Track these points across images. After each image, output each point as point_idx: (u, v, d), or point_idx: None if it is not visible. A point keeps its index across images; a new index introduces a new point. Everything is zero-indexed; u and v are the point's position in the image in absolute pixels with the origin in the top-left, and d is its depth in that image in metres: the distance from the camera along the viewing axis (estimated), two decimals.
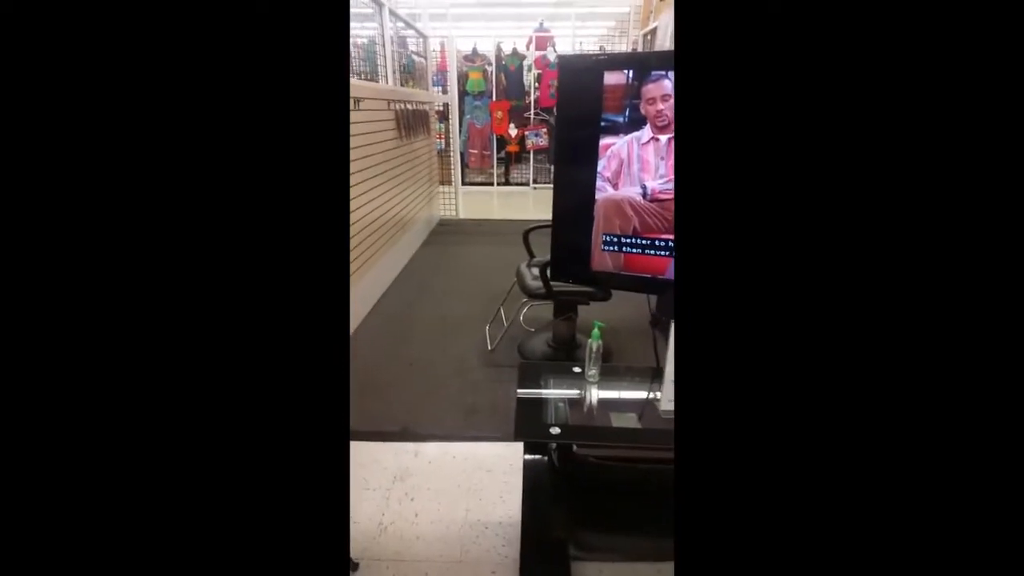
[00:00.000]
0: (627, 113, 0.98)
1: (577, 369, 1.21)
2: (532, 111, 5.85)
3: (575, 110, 1.10)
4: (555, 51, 5.68)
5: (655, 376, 1.23)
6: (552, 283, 1.86)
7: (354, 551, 1.19)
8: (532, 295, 1.96)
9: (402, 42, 3.99)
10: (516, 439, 0.99)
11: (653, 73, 0.91)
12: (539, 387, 1.17)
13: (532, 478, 1.19)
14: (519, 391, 1.13)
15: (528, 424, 1.03)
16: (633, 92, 0.96)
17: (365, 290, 2.54)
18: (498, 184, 6.20)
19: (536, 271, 1.98)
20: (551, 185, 6.26)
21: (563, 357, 2.06)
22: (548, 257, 1.92)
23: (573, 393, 1.16)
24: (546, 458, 1.21)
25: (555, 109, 5.81)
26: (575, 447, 1.08)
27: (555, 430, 0.99)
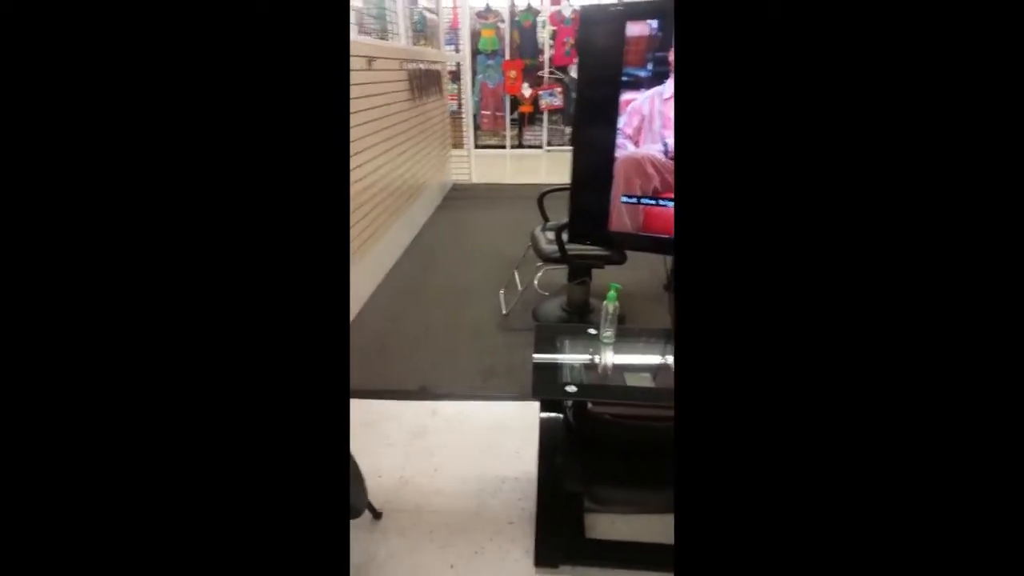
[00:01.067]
0: (650, 67, 0.95)
1: (592, 331, 1.22)
2: (546, 70, 5.66)
3: (596, 64, 1.06)
4: (570, 6, 5.45)
5: (669, 338, 1.24)
6: (568, 246, 1.85)
7: (377, 502, 1.24)
8: (547, 259, 1.95)
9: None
10: (533, 397, 1.02)
11: None
12: (555, 348, 1.19)
13: (548, 435, 1.22)
14: (535, 353, 1.14)
15: (544, 383, 1.05)
16: (657, 44, 0.92)
17: (379, 256, 2.56)
18: (511, 147, 6.08)
19: (551, 235, 1.97)
20: (565, 148, 6.14)
21: (577, 321, 2.07)
22: (563, 221, 1.90)
23: (588, 354, 1.17)
24: (562, 416, 1.24)
25: (575, 64, 5.60)
26: (590, 405, 1.10)
27: (571, 388, 1.01)
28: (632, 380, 1.08)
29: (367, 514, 1.21)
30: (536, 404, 1.18)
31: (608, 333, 1.17)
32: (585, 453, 1.23)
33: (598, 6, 1.01)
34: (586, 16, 1.08)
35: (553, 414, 1.26)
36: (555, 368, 1.12)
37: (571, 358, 1.16)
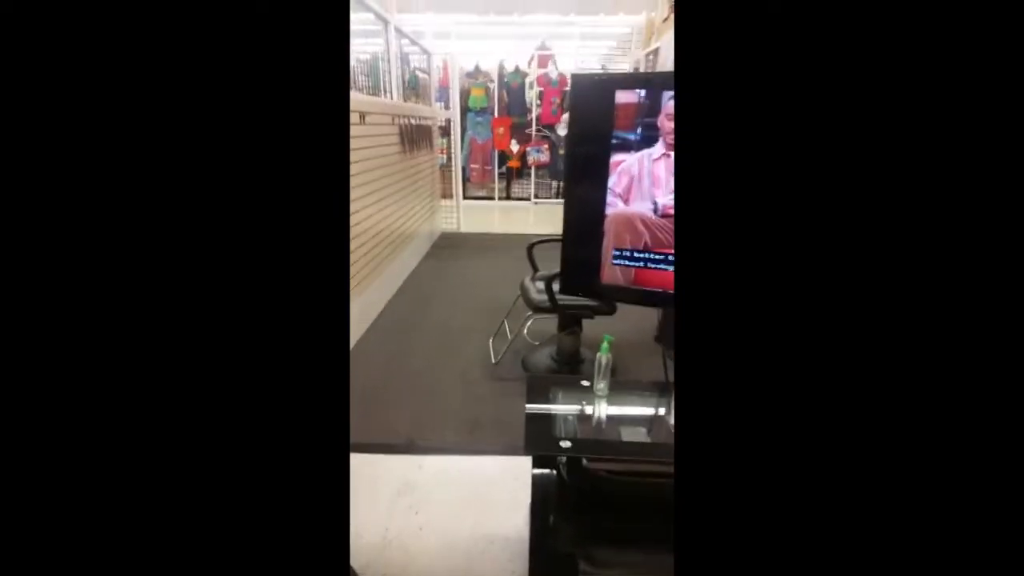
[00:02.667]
0: (638, 131, 1.00)
1: (585, 383, 1.21)
2: (534, 127, 5.92)
3: (586, 127, 1.12)
4: (556, 69, 5.78)
5: (664, 391, 1.24)
6: (558, 296, 1.87)
7: (358, 564, 1.17)
8: (537, 308, 1.96)
9: (406, 58, 4.05)
10: (526, 452, 0.99)
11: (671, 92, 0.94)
12: (547, 401, 1.17)
13: (540, 492, 1.19)
14: (528, 405, 1.13)
15: (538, 437, 1.02)
16: (645, 111, 0.98)
17: (367, 303, 2.55)
18: (499, 199, 6.25)
19: (541, 284, 1.99)
20: (552, 200, 6.31)
21: (567, 371, 2.06)
22: (552, 271, 1.93)
23: (582, 407, 1.16)
24: (554, 472, 1.21)
25: (562, 123, 5.83)
26: (585, 461, 1.08)
27: (565, 443, 0.99)
28: (628, 435, 1.07)
29: None
30: (527, 459, 1.15)
31: (602, 385, 1.17)
32: (580, 511, 1.19)
33: (588, 75, 1.08)
34: (576, 83, 1.14)
35: (545, 470, 1.23)
36: (548, 421, 1.11)
37: (564, 411, 1.14)
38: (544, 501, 1.18)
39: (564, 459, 1.12)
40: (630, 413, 1.19)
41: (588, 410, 1.14)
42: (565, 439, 1.01)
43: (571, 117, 1.17)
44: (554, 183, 6.27)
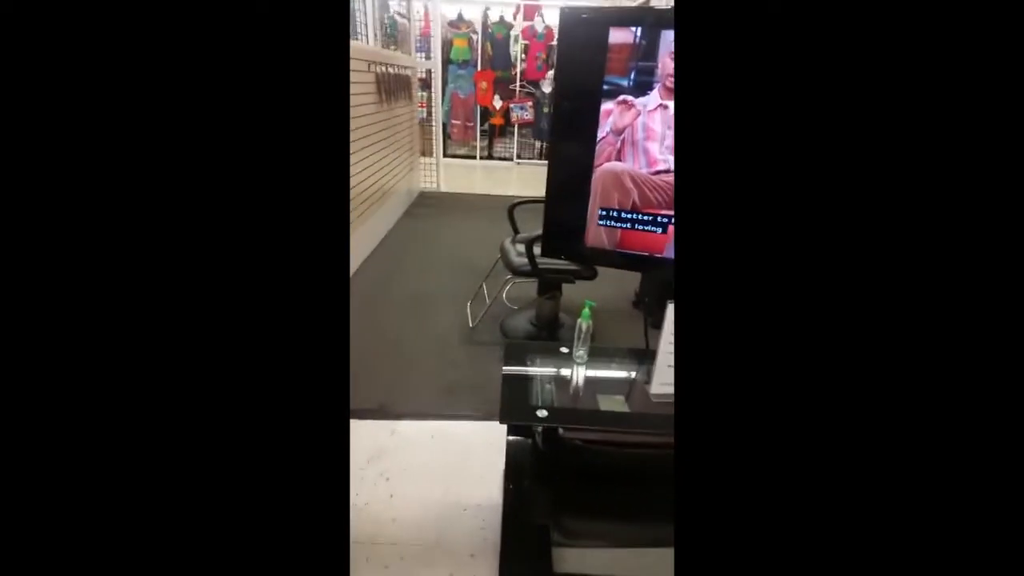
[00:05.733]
0: (632, 76, 0.91)
1: (564, 350, 1.16)
2: (518, 83, 5.68)
3: (575, 70, 1.01)
4: (544, 21, 5.50)
5: (643, 358, 1.19)
6: (539, 260, 1.80)
7: None
8: (516, 272, 1.89)
9: (383, 2, 3.77)
10: (501, 421, 0.94)
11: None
12: (525, 367, 1.12)
13: (515, 460, 1.15)
14: (504, 370, 1.07)
15: (514, 406, 0.97)
16: (641, 52, 0.88)
17: None
18: (481, 158, 6.05)
19: (521, 247, 1.91)
20: (536, 161, 6.14)
21: (546, 336, 2.02)
22: (534, 233, 1.85)
23: (560, 374, 1.11)
24: (530, 440, 1.17)
25: (547, 79, 5.61)
26: (561, 430, 1.04)
27: (542, 413, 0.94)
28: (605, 404, 1.02)
29: None
30: (502, 426, 1.11)
31: (581, 352, 1.11)
32: (554, 481, 1.16)
33: (577, 9, 0.97)
34: (566, 19, 1.03)
35: (520, 438, 1.19)
36: (525, 389, 1.06)
37: (542, 375, 1.09)
38: (518, 469, 1.15)
39: (540, 427, 1.08)
40: (609, 380, 1.15)
41: (566, 377, 1.09)
42: (542, 408, 0.96)
43: (559, 59, 1.06)
44: (538, 143, 6.09)
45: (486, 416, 1.54)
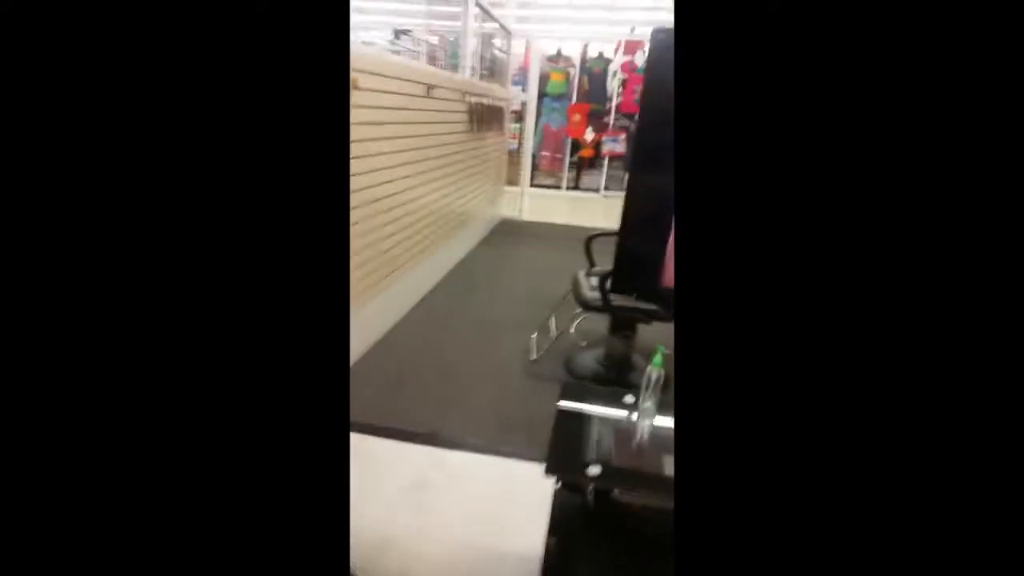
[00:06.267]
0: None
1: (630, 398, 1.03)
2: (612, 116, 5.64)
3: (663, 100, 0.93)
4: (644, 57, 5.45)
5: None
6: (612, 296, 1.69)
7: (356, 562, 1.08)
8: (587, 306, 1.78)
9: (487, 38, 3.94)
10: (547, 473, 0.84)
11: None
12: (582, 413, 1.01)
13: (561, 516, 1.03)
14: (556, 418, 0.97)
15: (563, 457, 0.87)
16: None
17: (414, 283, 2.48)
18: (567, 188, 6.04)
19: (595, 281, 1.81)
20: (622, 193, 6.06)
21: (614, 378, 1.87)
22: (610, 267, 1.74)
23: (622, 426, 0.99)
24: (580, 495, 1.05)
25: (639, 100, 5.61)
26: (616, 492, 0.91)
27: (594, 470, 0.83)
28: (672, 467, 0.88)
29: None
30: None
31: (648, 404, 0.98)
32: (603, 545, 1.02)
33: (671, 31, 0.88)
34: (657, 42, 0.95)
35: (570, 490, 1.07)
36: (579, 439, 0.95)
37: (601, 423, 0.97)
38: (564, 526, 1.03)
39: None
40: None
41: (628, 431, 0.97)
42: (595, 464, 0.85)
43: (645, 83, 0.98)
44: (629, 167, 5.95)
45: (538, 458, 1.43)
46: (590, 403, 1.02)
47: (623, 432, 0.98)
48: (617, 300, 1.69)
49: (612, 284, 1.02)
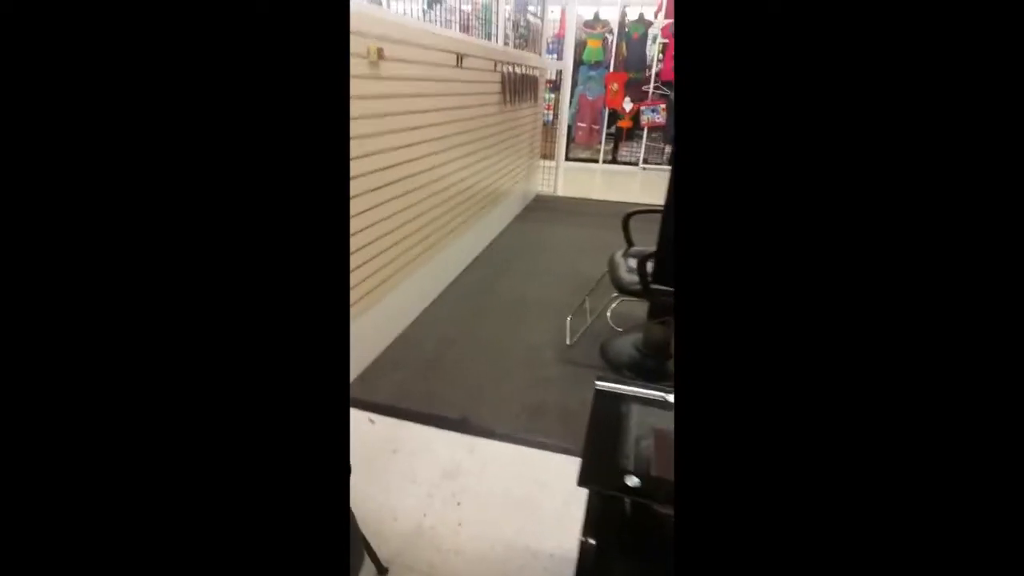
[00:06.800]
0: None
1: (671, 398, 0.96)
2: (651, 85, 5.35)
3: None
4: None
5: None
6: (651, 280, 1.59)
7: (387, 553, 1.07)
8: (624, 290, 1.70)
9: (520, 4, 3.76)
10: (580, 483, 0.79)
11: None
12: (619, 415, 0.94)
13: (597, 517, 0.98)
14: (590, 422, 0.91)
15: (597, 465, 0.81)
16: None
17: (448, 261, 2.44)
18: (604, 161, 5.82)
19: (633, 263, 1.71)
20: (663, 166, 5.77)
21: (652, 367, 1.79)
22: (648, 248, 1.64)
23: (664, 432, 0.92)
24: (615, 498, 0.99)
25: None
26: (656, 505, 0.85)
27: (632, 481, 0.77)
28: None
29: (369, 566, 1.04)
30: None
31: None
32: (640, 553, 0.97)
33: None
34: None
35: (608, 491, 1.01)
36: (615, 444, 0.88)
37: (638, 432, 0.91)
38: (598, 529, 0.98)
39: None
40: None
41: (669, 437, 0.90)
42: (633, 474, 0.79)
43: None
44: (667, 148, 5.69)
45: (573, 448, 1.38)
46: (627, 405, 0.96)
47: (663, 438, 0.91)
48: (658, 286, 1.59)
49: (653, 273, 0.94)
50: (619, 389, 1.07)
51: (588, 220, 3.77)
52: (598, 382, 1.08)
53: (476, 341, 1.95)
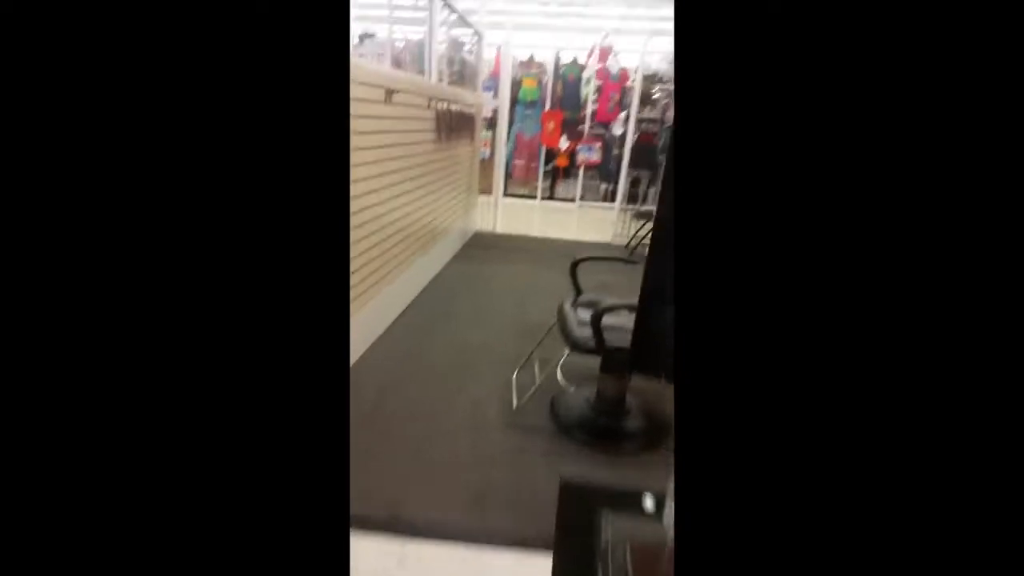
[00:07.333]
0: None
1: (651, 503, 0.78)
2: (587, 124, 5.46)
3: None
4: (618, 63, 5.30)
5: None
6: (607, 334, 1.44)
7: None
8: (577, 347, 1.54)
9: (456, 42, 3.69)
10: None
11: None
12: (589, 521, 0.75)
13: None
14: (559, 517, 0.71)
15: None
16: None
17: (377, 311, 2.18)
18: (543, 198, 5.82)
19: (585, 315, 1.56)
20: (599, 204, 5.84)
21: (605, 425, 1.63)
22: (602, 300, 1.50)
23: (645, 543, 0.73)
24: None
25: (621, 124, 5.43)
26: None
27: None
28: None
29: None
30: (546, 561, 0.74)
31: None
32: None
33: None
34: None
35: None
36: (587, 556, 0.69)
37: (614, 544, 0.72)
38: None
39: None
40: None
41: (654, 549, 0.71)
42: None
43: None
44: (603, 185, 5.80)
45: (526, 542, 1.16)
46: (600, 512, 0.77)
47: (646, 549, 0.72)
48: (614, 342, 1.45)
49: (630, 362, 0.77)
50: (587, 484, 0.88)
51: (529, 257, 3.65)
52: (563, 476, 0.90)
53: (406, 409, 1.70)
